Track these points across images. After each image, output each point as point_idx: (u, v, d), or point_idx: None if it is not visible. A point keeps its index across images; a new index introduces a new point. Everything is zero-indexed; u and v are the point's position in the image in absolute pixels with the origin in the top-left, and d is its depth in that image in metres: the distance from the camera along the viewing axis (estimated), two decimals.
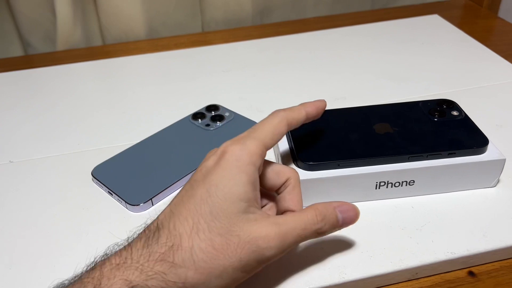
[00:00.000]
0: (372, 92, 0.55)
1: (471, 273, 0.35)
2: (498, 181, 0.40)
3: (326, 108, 0.44)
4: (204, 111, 0.51)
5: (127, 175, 0.43)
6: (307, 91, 0.56)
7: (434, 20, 0.71)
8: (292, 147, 0.40)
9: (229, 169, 0.29)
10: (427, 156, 0.38)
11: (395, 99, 0.53)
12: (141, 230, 0.30)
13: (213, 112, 0.51)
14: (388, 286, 0.35)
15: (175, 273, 0.27)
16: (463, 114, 0.42)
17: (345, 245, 0.36)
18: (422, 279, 0.35)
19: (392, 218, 0.38)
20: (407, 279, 0.35)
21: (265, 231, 0.28)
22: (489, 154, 0.39)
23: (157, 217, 0.30)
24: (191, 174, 0.42)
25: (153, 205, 0.40)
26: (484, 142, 0.39)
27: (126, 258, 0.27)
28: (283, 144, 0.41)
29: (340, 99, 0.54)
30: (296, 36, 0.70)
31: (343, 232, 0.37)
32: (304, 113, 0.35)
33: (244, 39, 0.71)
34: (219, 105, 0.52)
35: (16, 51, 0.76)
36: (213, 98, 0.54)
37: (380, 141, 0.40)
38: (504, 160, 0.39)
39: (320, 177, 0.38)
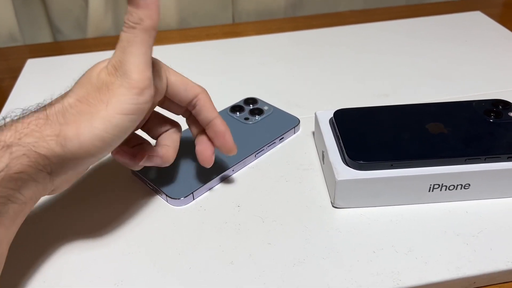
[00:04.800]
0: (416, 90, 0.52)
1: None
2: None
3: (374, 105, 0.43)
4: (242, 104, 0.49)
5: (167, 168, 0.41)
6: (347, 87, 0.54)
7: (477, 17, 0.68)
8: (340, 145, 0.38)
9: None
10: (485, 159, 0.36)
11: (440, 98, 0.50)
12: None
13: (251, 106, 0.49)
14: None
15: (49, 125, 0.29)
16: None
17: (398, 249, 0.34)
18: None
19: (446, 222, 0.36)
20: None
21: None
22: None
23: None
24: (231, 168, 0.41)
25: (194, 199, 0.39)
26: None
27: (2, 128, 0.29)
28: (331, 142, 0.40)
29: (382, 96, 0.52)
30: (330, 30, 0.68)
31: (396, 235, 0.35)
32: (212, 116, 0.36)
33: (277, 31, 0.69)
34: (258, 98, 0.50)
35: (46, 37, 0.75)
36: (250, 91, 0.53)
37: (434, 141, 0.38)
38: None
39: (371, 177, 0.36)
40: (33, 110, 0.30)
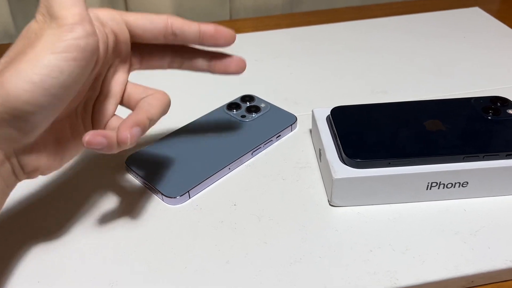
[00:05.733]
0: (414, 87, 0.52)
1: None
2: None
3: (372, 102, 0.43)
4: (239, 102, 0.49)
5: (162, 166, 0.41)
6: (346, 83, 0.54)
7: (475, 13, 0.68)
8: (337, 143, 0.38)
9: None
10: (484, 156, 0.36)
11: (439, 94, 0.50)
12: None
13: (248, 103, 0.49)
14: None
15: None
16: None
17: (395, 248, 0.34)
18: (477, 287, 0.33)
19: (443, 221, 0.36)
20: (461, 287, 0.33)
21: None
22: None
23: None
24: (227, 166, 0.41)
25: (190, 198, 0.39)
26: None
27: None
28: (328, 139, 0.39)
29: (381, 93, 0.51)
30: (328, 26, 0.67)
31: (393, 233, 0.35)
32: (196, 26, 0.34)
33: (274, 28, 0.68)
34: (255, 96, 0.50)
35: None
36: (247, 88, 0.52)
37: (432, 139, 0.37)
38: None
39: (369, 175, 0.36)
40: None
